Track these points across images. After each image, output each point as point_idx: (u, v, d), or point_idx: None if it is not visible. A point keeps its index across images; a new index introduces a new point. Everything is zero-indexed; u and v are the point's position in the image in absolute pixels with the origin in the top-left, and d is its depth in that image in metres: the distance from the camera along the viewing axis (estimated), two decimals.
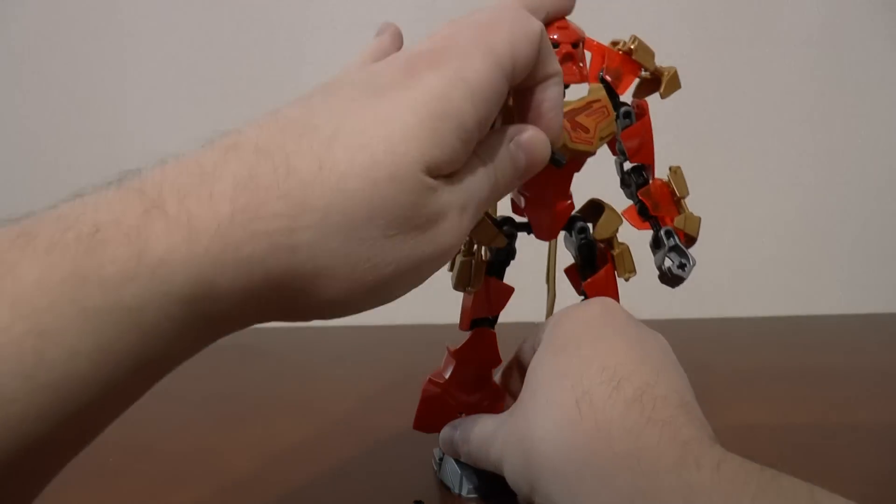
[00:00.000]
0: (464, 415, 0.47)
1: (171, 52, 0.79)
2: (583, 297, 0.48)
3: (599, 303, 0.42)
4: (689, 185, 0.48)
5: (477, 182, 0.32)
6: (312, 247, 0.27)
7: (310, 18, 0.79)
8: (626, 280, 0.47)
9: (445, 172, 0.30)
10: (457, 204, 0.31)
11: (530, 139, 0.34)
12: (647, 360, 0.37)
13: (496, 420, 0.41)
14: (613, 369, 0.36)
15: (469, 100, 0.30)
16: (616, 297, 0.47)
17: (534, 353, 0.41)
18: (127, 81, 0.80)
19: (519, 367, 0.46)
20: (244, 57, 0.80)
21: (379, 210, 0.28)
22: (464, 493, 0.49)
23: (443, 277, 0.48)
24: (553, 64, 0.34)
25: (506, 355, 0.48)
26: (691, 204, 0.48)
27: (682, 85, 0.47)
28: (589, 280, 0.47)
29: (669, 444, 0.32)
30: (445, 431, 0.46)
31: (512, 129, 0.34)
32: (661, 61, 0.47)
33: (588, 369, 0.36)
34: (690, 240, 0.47)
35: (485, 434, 0.42)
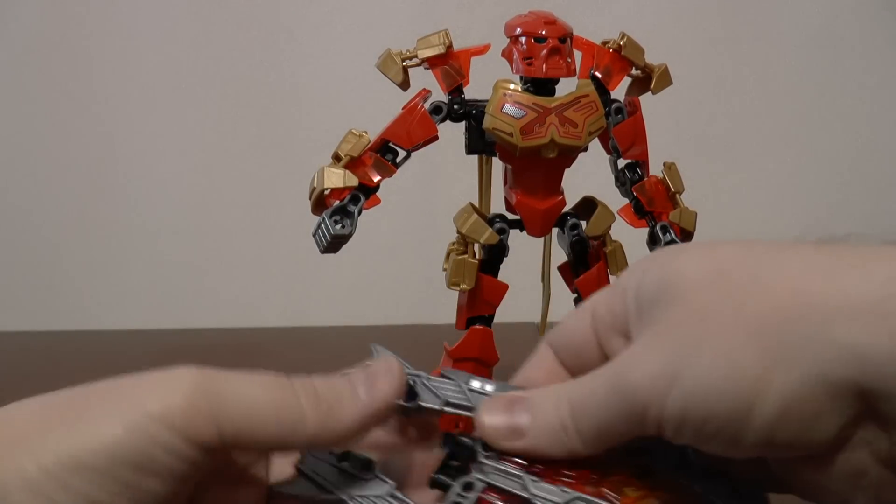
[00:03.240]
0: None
1: (170, 53, 0.80)
2: (576, 296, 0.48)
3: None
4: (689, 186, 0.48)
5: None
6: None
7: (310, 18, 0.79)
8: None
9: None
10: None
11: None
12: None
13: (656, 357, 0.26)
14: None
15: None
16: None
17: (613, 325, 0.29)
18: (127, 82, 0.80)
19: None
20: (244, 57, 0.80)
21: None
22: None
23: (440, 278, 0.48)
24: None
25: (504, 354, 0.48)
26: (691, 204, 0.47)
27: (683, 85, 0.47)
28: (581, 277, 0.48)
29: None
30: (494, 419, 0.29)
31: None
32: (660, 61, 0.47)
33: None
34: (687, 234, 0.47)
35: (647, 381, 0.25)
